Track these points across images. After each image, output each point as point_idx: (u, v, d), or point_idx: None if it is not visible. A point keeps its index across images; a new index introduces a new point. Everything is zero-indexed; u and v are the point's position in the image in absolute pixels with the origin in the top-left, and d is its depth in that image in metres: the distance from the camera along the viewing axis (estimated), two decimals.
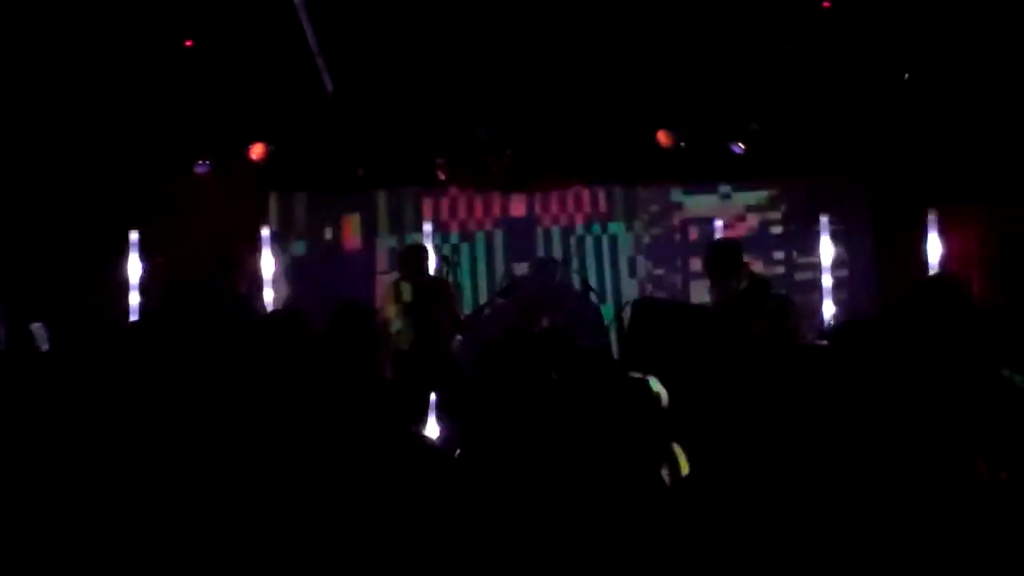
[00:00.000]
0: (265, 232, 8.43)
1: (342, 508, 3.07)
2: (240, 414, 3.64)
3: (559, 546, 2.64)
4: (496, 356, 3.41)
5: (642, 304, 7.75)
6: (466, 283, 8.36)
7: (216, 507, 3.05)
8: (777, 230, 8.73)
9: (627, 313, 7.65)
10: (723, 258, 6.35)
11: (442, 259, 7.04)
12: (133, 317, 8.10)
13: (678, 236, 8.75)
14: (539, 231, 8.67)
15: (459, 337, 7.15)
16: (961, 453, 2.44)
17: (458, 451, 3.41)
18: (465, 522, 2.82)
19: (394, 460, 3.24)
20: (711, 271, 6.42)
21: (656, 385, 3.08)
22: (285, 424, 3.77)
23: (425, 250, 7.22)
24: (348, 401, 4.16)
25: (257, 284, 8.30)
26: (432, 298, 6.89)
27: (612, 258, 8.68)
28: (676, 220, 8.75)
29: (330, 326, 4.50)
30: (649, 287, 8.61)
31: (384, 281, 7.53)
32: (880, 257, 8.63)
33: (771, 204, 8.76)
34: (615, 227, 8.70)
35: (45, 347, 6.24)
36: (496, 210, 8.68)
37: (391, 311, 7.01)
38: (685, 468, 2.99)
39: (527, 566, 2.65)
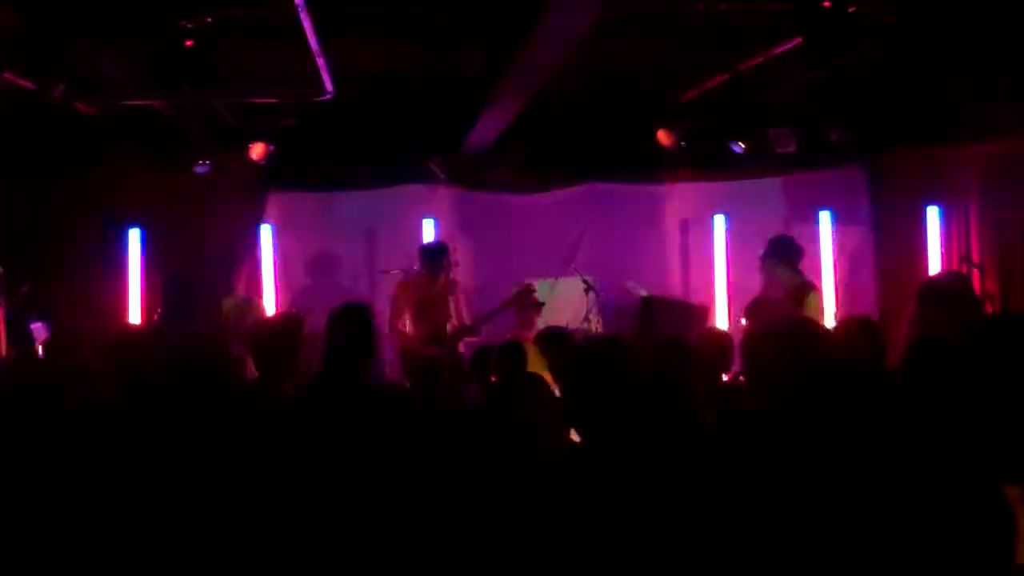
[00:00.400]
0: (265, 231, 8.45)
1: (343, 508, 3.06)
2: (240, 414, 3.64)
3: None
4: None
5: (645, 301, 7.82)
6: None
7: (220, 509, 3.05)
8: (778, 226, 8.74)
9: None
10: (777, 253, 6.51)
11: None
12: (133, 316, 8.13)
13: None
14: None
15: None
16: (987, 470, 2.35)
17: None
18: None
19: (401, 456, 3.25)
20: (764, 263, 6.56)
21: None
22: (284, 423, 3.78)
23: (444, 248, 7.23)
24: (348, 399, 4.16)
25: (256, 283, 8.32)
26: (442, 295, 6.92)
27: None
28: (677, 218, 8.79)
29: (330, 325, 4.51)
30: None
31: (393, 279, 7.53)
32: (881, 253, 8.65)
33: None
34: None
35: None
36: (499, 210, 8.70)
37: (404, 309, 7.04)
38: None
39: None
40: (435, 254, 7.18)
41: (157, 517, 2.96)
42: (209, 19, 4.98)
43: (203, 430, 3.40)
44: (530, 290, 7.45)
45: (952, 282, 5.41)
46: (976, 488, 2.02)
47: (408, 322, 7.14)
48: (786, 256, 6.60)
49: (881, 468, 2.44)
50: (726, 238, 8.70)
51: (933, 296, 4.83)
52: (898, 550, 1.99)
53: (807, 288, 6.54)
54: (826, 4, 4.67)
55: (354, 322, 4.47)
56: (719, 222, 8.68)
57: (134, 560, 2.89)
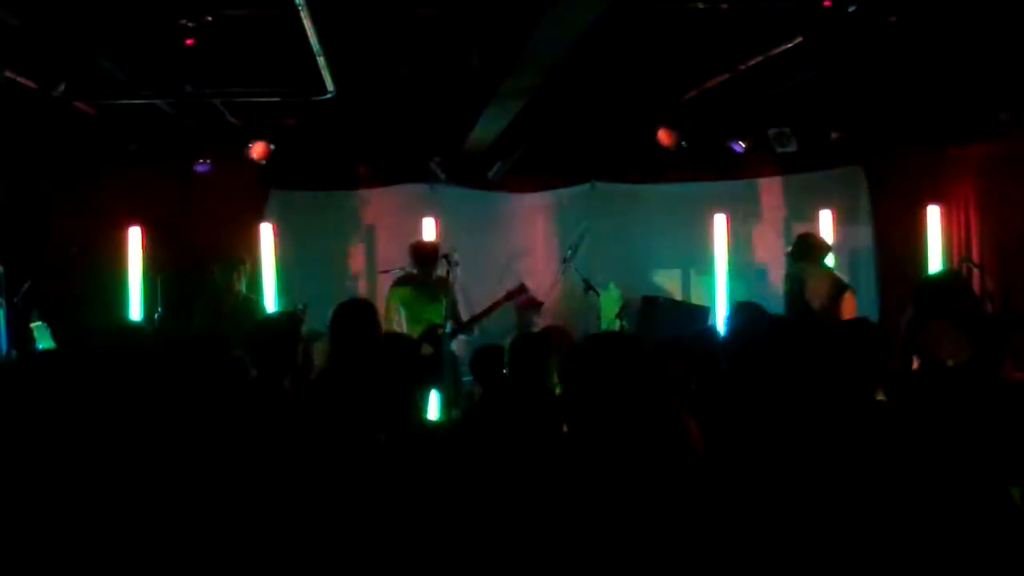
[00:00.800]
0: (265, 231, 8.44)
1: (341, 502, 3.07)
2: (239, 411, 3.64)
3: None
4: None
5: (646, 302, 7.83)
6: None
7: (221, 506, 3.05)
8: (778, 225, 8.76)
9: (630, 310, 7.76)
10: (805, 252, 6.57)
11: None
12: (133, 315, 8.13)
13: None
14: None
15: (462, 336, 7.16)
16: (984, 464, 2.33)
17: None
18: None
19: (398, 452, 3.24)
20: (794, 263, 6.68)
21: None
22: (284, 420, 3.78)
23: (436, 247, 7.22)
24: (349, 396, 4.16)
25: (256, 282, 8.31)
26: (436, 295, 6.90)
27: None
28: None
29: (333, 322, 4.52)
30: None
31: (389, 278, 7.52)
32: (881, 253, 8.65)
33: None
34: None
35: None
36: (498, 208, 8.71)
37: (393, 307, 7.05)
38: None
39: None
40: (428, 252, 7.16)
41: (157, 515, 2.96)
42: (209, 18, 4.98)
43: (203, 428, 3.40)
44: (522, 289, 7.43)
45: (948, 281, 5.42)
46: (987, 494, 2.01)
47: (403, 322, 7.13)
48: (816, 255, 6.62)
49: (885, 472, 2.44)
50: (726, 238, 8.70)
51: (928, 296, 4.83)
52: (907, 557, 1.98)
53: (842, 287, 6.53)
54: (826, 4, 4.68)
55: (356, 318, 4.49)
56: (719, 222, 8.68)
57: (134, 559, 2.90)
